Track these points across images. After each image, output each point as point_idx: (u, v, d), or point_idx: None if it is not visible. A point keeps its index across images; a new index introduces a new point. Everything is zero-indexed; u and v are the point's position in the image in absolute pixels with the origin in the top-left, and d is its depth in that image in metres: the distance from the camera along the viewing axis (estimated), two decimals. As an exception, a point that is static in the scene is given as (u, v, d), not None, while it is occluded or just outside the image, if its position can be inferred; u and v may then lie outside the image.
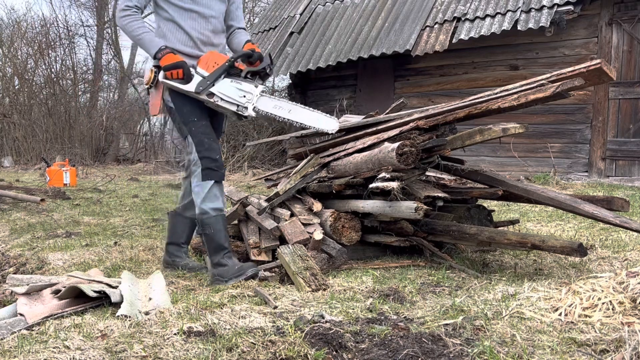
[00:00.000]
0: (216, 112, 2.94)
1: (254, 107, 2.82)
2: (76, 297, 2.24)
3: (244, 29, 3.11)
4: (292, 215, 3.15)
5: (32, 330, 1.97)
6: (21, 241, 4.12)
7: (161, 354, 1.70)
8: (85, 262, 3.31)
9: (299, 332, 1.84)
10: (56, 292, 2.30)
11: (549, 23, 6.98)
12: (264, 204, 3.26)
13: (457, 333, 1.82)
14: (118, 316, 2.03)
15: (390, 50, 8.24)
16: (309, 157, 3.43)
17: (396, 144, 2.66)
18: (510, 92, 2.72)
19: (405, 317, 2.04)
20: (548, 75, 2.68)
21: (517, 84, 2.79)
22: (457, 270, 2.82)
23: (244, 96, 2.79)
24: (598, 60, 2.49)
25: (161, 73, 2.74)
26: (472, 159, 6.82)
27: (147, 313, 2.09)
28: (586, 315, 1.86)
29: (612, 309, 1.85)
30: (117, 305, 2.13)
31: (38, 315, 2.07)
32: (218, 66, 2.77)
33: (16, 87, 15.37)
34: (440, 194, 2.77)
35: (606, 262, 2.96)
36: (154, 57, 2.74)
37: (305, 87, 10.46)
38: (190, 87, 2.74)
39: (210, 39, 2.88)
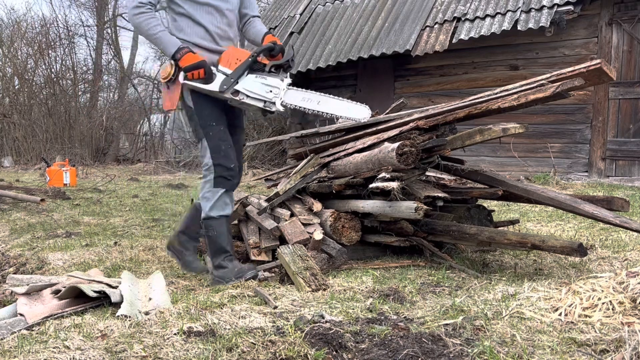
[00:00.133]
0: (233, 109, 2.86)
1: (282, 102, 2.74)
2: (76, 297, 2.24)
3: (258, 16, 3.03)
4: (292, 215, 3.15)
5: (32, 330, 1.97)
6: (21, 241, 4.12)
7: (161, 354, 1.70)
8: (85, 262, 3.31)
9: (299, 332, 1.84)
10: (56, 292, 2.30)
11: (549, 23, 6.98)
12: (264, 204, 3.26)
13: (457, 333, 1.82)
14: (118, 316, 2.03)
15: (390, 50, 8.24)
16: (309, 157, 3.43)
17: (396, 144, 2.66)
18: (510, 92, 2.72)
19: (405, 317, 2.04)
20: (548, 75, 2.68)
21: (517, 84, 2.79)
22: (457, 270, 2.82)
23: (271, 91, 2.71)
24: (598, 60, 2.49)
25: (181, 74, 2.65)
26: (472, 159, 6.82)
27: (147, 313, 2.09)
28: (586, 315, 1.86)
29: (612, 309, 1.85)
30: (117, 305, 2.13)
31: (38, 315, 2.07)
32: (240, 62, 2.69)
33: (16, 87, 15.37)
34: (440, 194, 2.77)
35: (606, 262, 2.96)
36: (173, 58, 2.64)
37: (305, 87, 10.44)
38: (214, 87, 2.66)
39: (227, 32, 2.81)
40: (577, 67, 2.58)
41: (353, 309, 2.14)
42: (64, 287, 2.27)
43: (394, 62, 8.93)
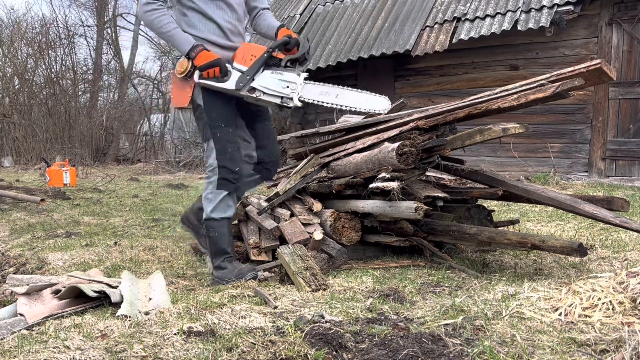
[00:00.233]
0: (248, 105, 2.81)
1: (300, 97, 2.68)
2: (76, 297, 2.24)
3: (268, 8, 2.98)
4: (292, 215, 3.15)
5: (32, 330, 1.97)
6: (21, 241, 4.12)
7: (161, 354, 1.70)
8: (85, 262, 3.31)
9: (299, 332, 1.84)
10: (56, 292, 2.30)
11: (549, 23, 6.99)
12: (264, 204, 3.26)
13: (457, 333, 1.82)
14: (118, 316, 2.03)
15: (390, 50, 8.24)
16: (309, 157, 3.43)
17: (396, 144, 2.66)
18: (510, 92, 2.72)
19: (405, 317, 2.04)
20: (548, 75, 2.68)
21: (517, 84, 2.79)
22: (457, 270, 2.82)
23: (288, 86, 2.65)
24: (598, 60, 2.49)
25: (196, 73, 2.61)
26: (472, 159, 6.82)
27: (147, 313, 2.09)
28: (586, 315, 1.86)
29: (612, 309, 1.85)
30: (117, 305, 2.13)
31: (38, 315, 2.07)
32: (256, 59, 2.63)
33: (16, 87, 15.37)
34: (440, 194, 2.77)
35: (606, 262, 2.96)
36: (187, 56, 2.60)
37: (305, 87, 10.45)
38: (230, 85, 2.61)
39: (237, 28, 2.78)
40: (577, 67, 2.57)
41: (353, 309, 2.14)
42: (64, 287, 2.27)
43: (394, 62, 8.93)
